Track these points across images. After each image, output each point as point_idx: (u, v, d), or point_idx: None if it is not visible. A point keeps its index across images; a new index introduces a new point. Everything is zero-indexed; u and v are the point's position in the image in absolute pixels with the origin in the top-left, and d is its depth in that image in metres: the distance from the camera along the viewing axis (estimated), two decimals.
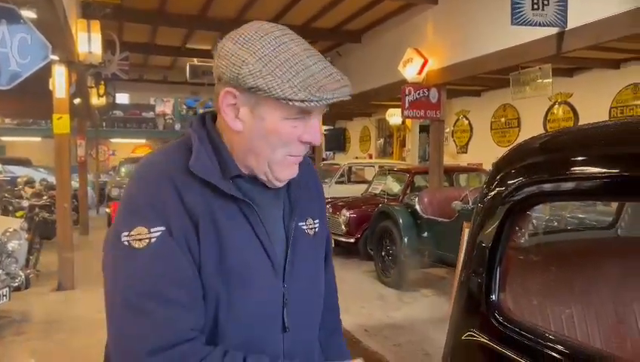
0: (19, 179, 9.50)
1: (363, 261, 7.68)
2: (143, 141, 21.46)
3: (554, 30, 5.28)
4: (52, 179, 8.79)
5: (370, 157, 14.43)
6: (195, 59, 10.83)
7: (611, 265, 1.68)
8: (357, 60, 10.30)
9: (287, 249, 1.06)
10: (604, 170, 1.12)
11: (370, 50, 9.73)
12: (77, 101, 9.50)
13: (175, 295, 0.92)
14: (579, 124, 7.69)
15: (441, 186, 7.79)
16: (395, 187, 8.48)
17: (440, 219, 6.03)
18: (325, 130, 14.81)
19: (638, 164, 1.05)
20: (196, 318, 0.95)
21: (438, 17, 7.62)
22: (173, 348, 0.90)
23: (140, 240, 0.93)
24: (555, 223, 2.77)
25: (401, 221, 6.34)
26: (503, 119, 10.14)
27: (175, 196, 0.95)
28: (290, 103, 0.92)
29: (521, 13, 5.01)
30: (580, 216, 3.43)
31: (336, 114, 13.25)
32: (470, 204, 5.35)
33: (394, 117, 11.85)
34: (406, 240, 6.21)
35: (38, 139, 19.13)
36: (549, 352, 1.15)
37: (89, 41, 6.56)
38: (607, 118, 7.58)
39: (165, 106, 21.03)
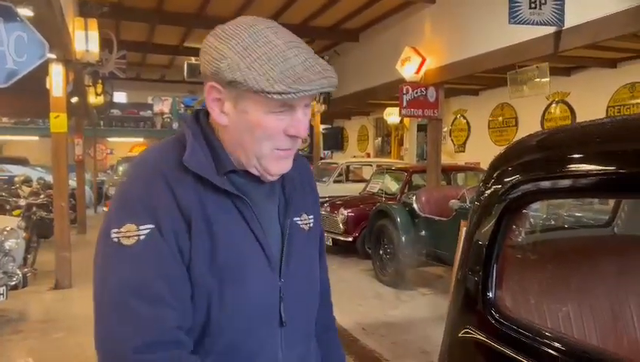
0: (16, 178, 9.49)
1: (361, 259, 7.68)
2: (141, 140, 21.45)
3: (551, 29, 5.29)
4: (49, 178, 8.78)
5: (368, 156, 14.43)
6: (192, 58, 10.79)
7: (608, 262, 1.68)
8: (355, 59, 10.30)
9: (283, 244, 1.07)
10: (600, 168, 1.12)
11: (368, 49, 9.73)
12: (74, 100, 9.48)
13: (161, 293, 0.92)
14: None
15: (439, 185, 7.80)
16: (393, 186, 8.49)
17: (437, 218, 6.03)
18: (323, 129, 14.82)
19: (634, 161, 1.05)
20: (183, 317, 0.95)
21: (436, 16, 7.62)
22: (159, 347, 0.90)
23: (128, 237, 0.93)
24: (552, 221, 2.78)
25: (398, 220, 6.35)
26: (500, 118, 10.15)
27: (167, 193, 0.95)
28: (269, 96, 0.92)
29: (519, 12, 5.02)
30: (577, 214, 3.43)
31: (334, 113, 13.24)
32: (468, 202, 5.35)
33: (392, 116, 11.86)
34: (404, 238, 6.22)
35: (36, 138, 19.11)
36: (546, 349, 1.15)
37: (86, 40, 6.54)
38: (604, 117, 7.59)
39: (163, 105, 21.01)
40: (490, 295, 1.33)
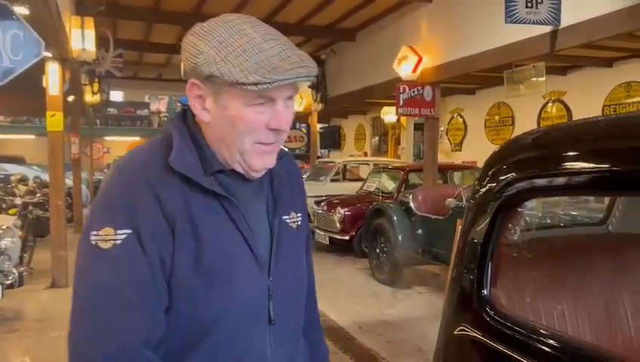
0: (12, 177, 9.46)
1: (357, 258, 7.69)
2: (138, 139, 21.41)
3: (547, 28, 5.30)
4: (46, 177, 8.75)
5: (365, 155, 14.44)
6: None
7: (602, 260, 1.69)
8: (352, 58, 10.30)
9: (272, 243, 1.06)
10: (594, 165, 1.13)
11: (365, 48, 9.73)
12: (71, 98, 9.45)
13: (133, 300, 0.92)
14: None
15: (436, 184, 7.81)
16: (390, 185, 8.50)
17: (434, 217, 6.04)
18: (320, 128, 14.82)
19: (629, 158, 1.06)
20: (153, 325, 0.94)
21: (433, 15, 7.63)
22: (128, 355, 0.91)
23: (106, 240, 0.92)
24: (547, 219, 2.78)
25: (395, 218, 6.36)
26: (497, 117, 10.17)
27: (150, 196, 0.94)
28: (245, 88, 0.91)
29: (515, 12, 5.03)
30: (572, 212, 3.44)
31: (331, 112, 13.24)
32: (464, 201, 5.36)
33: (389, 115, 11.87)
34: (400, 237, 6.23)
35: (32, 136, 19.07)
36: (541, 347, 1.16)
37: (83, 38, 6.52)
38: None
39: (160, 104, 21.00)
40: (485, 293, 1.34)
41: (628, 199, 2.01)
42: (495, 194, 1.33)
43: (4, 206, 7.13)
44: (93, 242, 0.93)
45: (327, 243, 8.13)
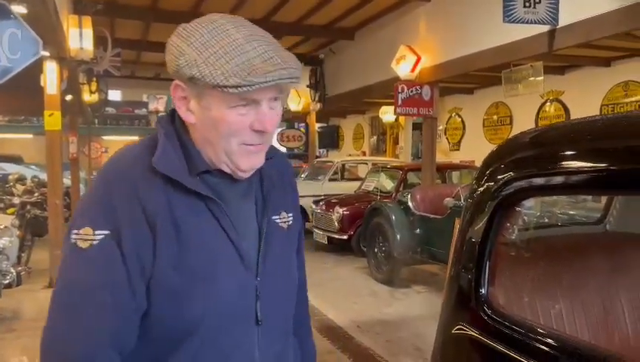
0: (10, 176, 9.45)
1: (356, 257, 7.69)
2: (136, 138, 21.34)
3: (545, 28, 5.30)
4: (44, 176, 8.75)
5: (364, 154, 14.45)
6: None
7: (599, 259, 1.70)
8: (350, 57, 10.30)
9: (260, 243, 1.06)
10: (591, 165, 1.13)
11: (364, 48, 9.73)
12: (69, 98, 9.44)
13: (106, 301, 0.93)
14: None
15: (434, 183, 7.81)
16: (388, 184, 8.50)
17: (432, 216, 6.05)
18: (319, 128, 14.82)
19: (626, 157, 1.06)
20: (125, 326, 0.95)
21: (431, 15, 7.63)
22: (91, 353, 0.93)
23: (85, 240, 0.93)
24: (545, 218, 2.79)
25: (393, 218, 6.36)
26: (495, 116, 10.18)
27: (131, 197, 0.95)
28: (226, 90, 0.91)
29: (514, 11, 5.04)
30: (570, 211, 3.45)
31: (329, 111, 13.24)
32: (462, 200, 5.37)
33: (387, 114, 11.87)
34: (398, 236, 6.23)
35: (30, 135, 19.02)
36: (538, 345, 1.16)
37: (80, 37, 6.51)
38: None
39: (158, 103, 20.95)
40: (483, 292, 1.34)
41: (625, 198, 2.02)
42: (493, 194, 1.34)
43: (1, 205, 7.11)
44: (73, 241, 0.94)
45: (326, 242, 8.13)
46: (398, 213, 6.42)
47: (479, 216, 1.38)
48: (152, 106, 21.12)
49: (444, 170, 8.57)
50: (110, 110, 20.36)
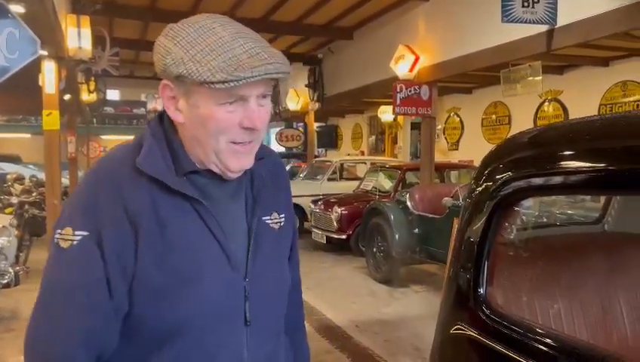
0: (8, 176, 9.41)
1: (355, 257, 7.69)
2: (134, 137, 21.33)
3: (544, 27, 5.31)
4: (42, 176, 8.74)
5: (362, 154, 14.46)
6: None
7: (598, 259, 1.70)
8: (349, 57, 10.30)
9: (249, 243, 1.05)
10: (590, 164, 1.13)
11: (362, 47, 9.73)
12: (67, 97, 9.44)
13: (84, 301, 0.94)
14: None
15: (432, 183, 7.82)
16: (387, 184, 8.51)
17: (431, 216, 6.05)
18: (317, 127, 14.81)
19: (624, 157, 1.06)
20: (101, 326, 0.96)
21: (430, 14, 7.64)
22: (78, 356, 0.94)
23: (65, 240, 0.94)
24: (544, 218, 2.79)
25: (392, 217, 6.36)
26: (493, 116, 10.18)
27: (117, 198, 0.95)
28: (212, 86, 0.91)
29: (512, 11, 5.04)
30: (568, 211, 3.46)
31: (328, 111, 13.24)
32: (461, 200, 5.37)
33: (386, 114, 11.88)
34: (397, 236, 6.23)
35: (28, 135, 19.01)
36: (537, 345, 1.16)
37: (79, 37, 6.51)
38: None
39: (156, 103, 20.90)
40: (482, 291, 1.34)
41: (623, 198, 2.02)
42: (491, 193, 1.34)
43: (0, 205, 7.10)
44: (56, 241, 0.96)
45: (325, 242, 8.13)
46: (397, 212, 6.42)
47: (478, 216, 1.38)
48: (150, 106, 21.09)
49: (442, 169, 8.58)
50: (108, 109, 20.34)
